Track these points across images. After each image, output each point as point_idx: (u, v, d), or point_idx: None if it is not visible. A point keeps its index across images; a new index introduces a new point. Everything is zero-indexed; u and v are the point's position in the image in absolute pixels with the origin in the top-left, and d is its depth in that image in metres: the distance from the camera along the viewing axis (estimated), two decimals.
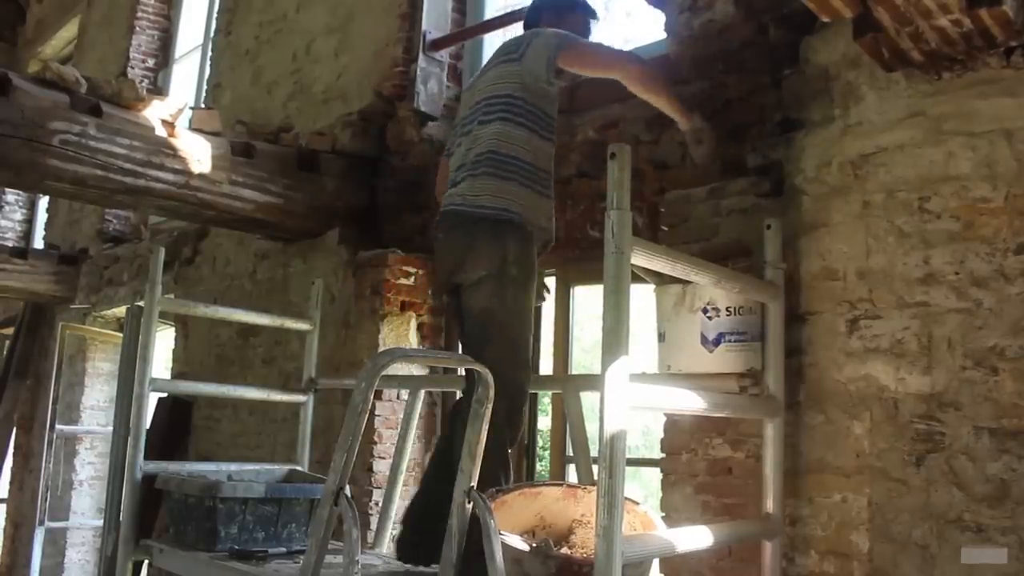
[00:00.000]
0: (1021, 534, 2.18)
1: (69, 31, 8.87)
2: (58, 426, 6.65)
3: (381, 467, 3.91)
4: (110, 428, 5.63)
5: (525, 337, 2.64)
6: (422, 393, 3.53)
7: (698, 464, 2.82)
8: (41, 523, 6.50)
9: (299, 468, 3.74)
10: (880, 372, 2.47)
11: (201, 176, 3.96)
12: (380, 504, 3.57)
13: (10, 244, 8.38)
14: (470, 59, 4.41)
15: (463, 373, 2.79)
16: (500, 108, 2.70)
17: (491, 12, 4.38)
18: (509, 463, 2.70)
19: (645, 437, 9.30)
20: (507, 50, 2.81)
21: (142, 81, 6.76)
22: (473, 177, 2.67)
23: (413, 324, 4.15)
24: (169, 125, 3.89)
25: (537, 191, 2.70)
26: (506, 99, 2.70)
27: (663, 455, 2.95)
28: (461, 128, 2.84)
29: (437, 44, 4.34)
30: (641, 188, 3.08)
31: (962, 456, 2.29)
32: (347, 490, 2.19)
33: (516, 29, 4.23)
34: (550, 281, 3.67)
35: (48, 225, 8.10)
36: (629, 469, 1.88)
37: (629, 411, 1.86)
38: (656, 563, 2.64)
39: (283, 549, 3.13)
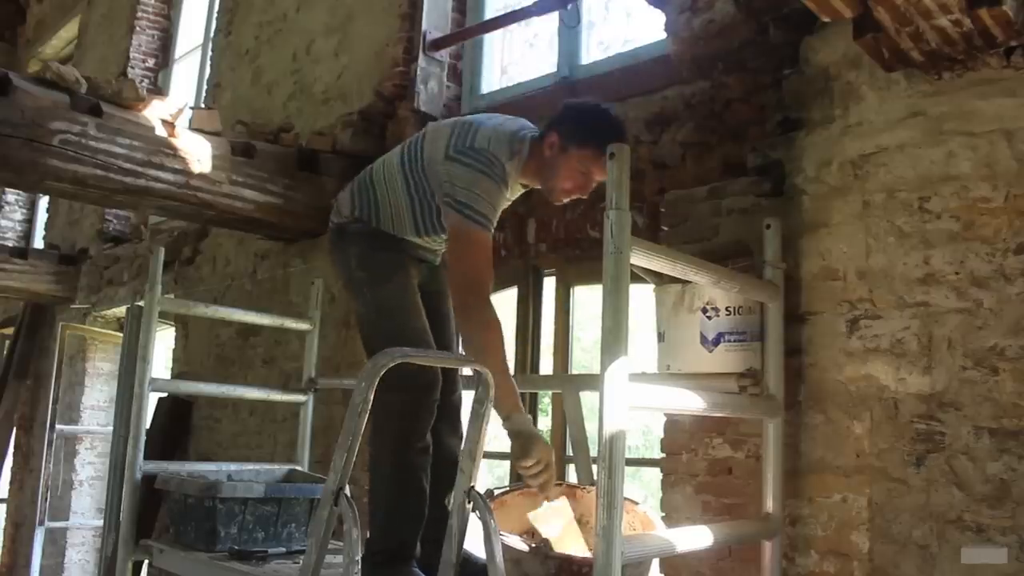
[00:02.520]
0: (1021, 534, 2.18)
1: (69, 31, 8.87)
2: (58, 426, 6.65)
3: None
4: (110, 428, 5.64)
5: (399, 329, 2.44)
6: None
7: (698, 464, 2.82)
8: (41, 523, 6.50)
9: (299, 468, 3.74)
10: (880, 372, 2.47)
11: (201, 176, 3.96)
12: None
13: (10, 244, 8.37)
14: (470, 59, 4.41)
15: (466, 372, 2.79)
16: (406, 148, 2.59)
17: (491, 12, 4.38)
18: (417, 472, 2.46)
19: (645, 437, 9.30)
20: (459, 138, 2.43)
21: (142, 81, 6.76)
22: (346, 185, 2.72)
23: None
24: (169, 125, 3.89)
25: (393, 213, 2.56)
26: (413, 149, 2.55)
27: (663, 455, 2.95)
28: None
29: (437, 44, 4.34)
30: (641, 188, 3.08)
31: (962, 456, 2.29)
32: (347, 490, 2.19)
33: (516, 29, 4.25)
34: (550, 281, 3.67)
35: (48, 225, 8.10)
36: (629, 469, 1.88)
37: (629, 411, 1.86)
38: (656, 563, 2.64)
39: (283, 549, 3.12)
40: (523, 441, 2.21)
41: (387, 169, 2.62)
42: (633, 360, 1.92)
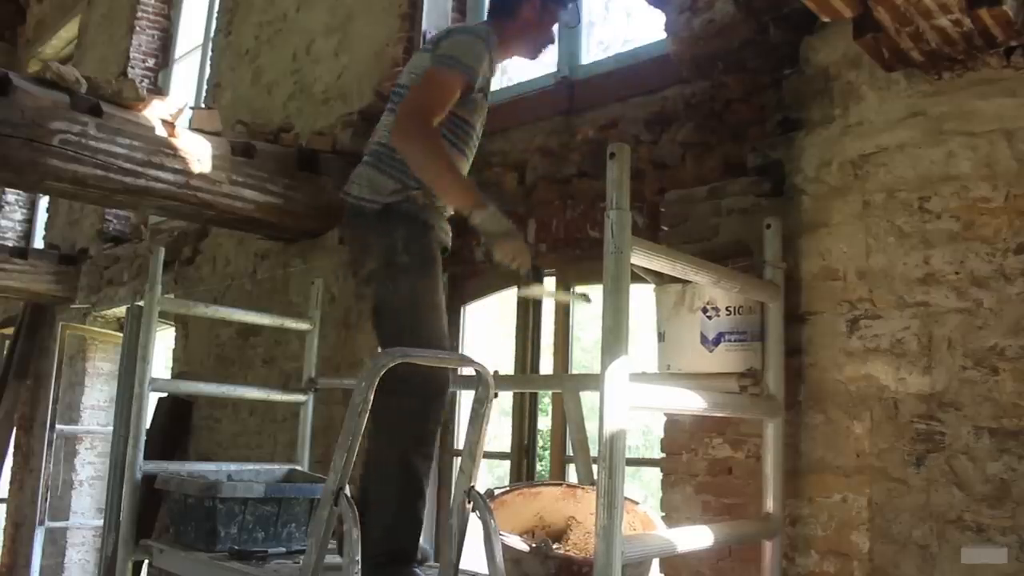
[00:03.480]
0: (1021, 534, 2.18)
1: (69, 31, 8.87)
2: (58, 426, 6.65)
3: None
4: (110, 428, 5.65)
5: (428, 325, 2.47)
6: None
7: (698, 464, 2.82)
8: (41, 523, 6.50)
9: (299, 468, 3.74)
10: (880, 372, 2.47)
11: (201, 176, 3.96)
12: None
13: (10, 244, 8.38)
14: None
15: (466, 372, 2.79)
16: (400, 98, 2.57)
17: None
18: (421, 477, 2.49)
19: (645, 437, 9.31)
20: (429, 43, 2.64)
21: (142, 81, 6.77)
22: (363, 166, 2.61)
23: None
24: (169, 125, 3.89)
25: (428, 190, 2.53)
26: (407, 90, 2.56)
27: (663, 455, 2.95)
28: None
29: None
30: (641, 188, 3.09)
31: (962, 456, 2.29)
32: (347, 490, 2.19)
33: None
34: (550, 281, 3.67)
35: (48, 225, 8.10)
36: (629, 469, 1.88)
37: (629, 411, 1.86)
38: (656, 563, 2.64)
39: (283, 549, 3.12)
40: (494, 239, 2.36)
41: (387, 129, 2.56)
42: (633, 360, 1.92)
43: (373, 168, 2.58)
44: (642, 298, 2.87)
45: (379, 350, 2.47)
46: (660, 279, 2.72)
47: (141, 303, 3.50)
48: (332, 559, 2.50)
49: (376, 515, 2.45)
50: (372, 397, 2.12)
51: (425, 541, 3.36)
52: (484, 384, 2.28)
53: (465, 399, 3.90)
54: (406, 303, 2.49)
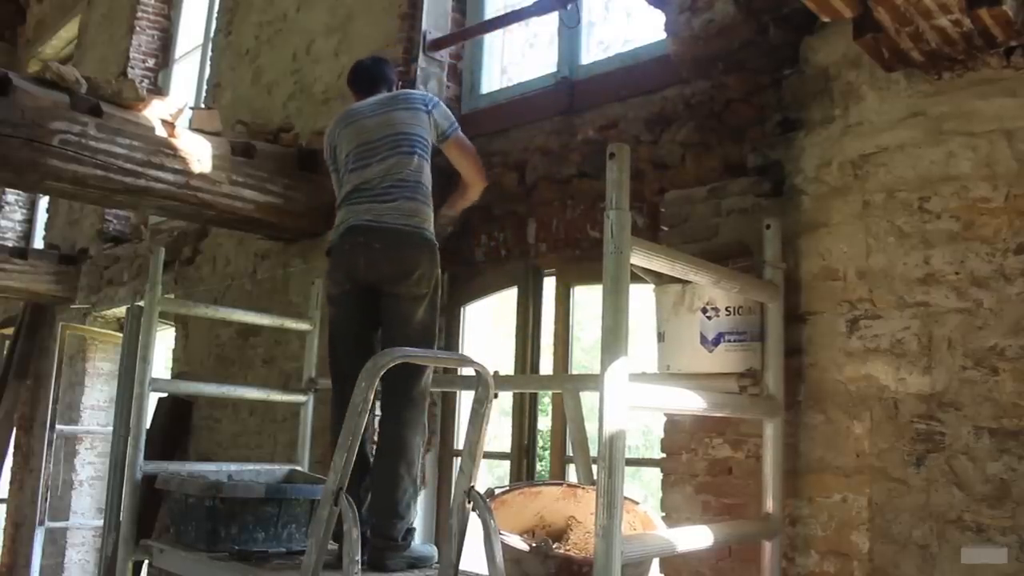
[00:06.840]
0: (1021, 534, 2.18)
1: (69, 31, 8.87)
2: (58, 426, 6.64)
3: None
4: (110, 428, 5.64)
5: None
6: None
7: (698, 464, 2.82)
8: (41, 523, 6.50)
9: (299, 468, 3.74)
10: (880, 372, 2.47)
11: (201, 176, 3.96)
12: None
13: (10, 244, 8.37)
14: (470, 59, 4.41)
15: (466, 372, 2.82)
16: (418, 144, 3.11)
17: (491, 12, 4.38)
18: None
19: (645, 437, 9.30)
20: (407, 102, 3.22)
21: (142, 81, 6.76)
22: (407, 200, 3.02)
23: None
24: (169, 125, 3.89)
25: None
26: (422, 139, 3.13)
27: (663, 455, 2.95)
28: (365, 153, 3.11)
29: (437, 44, 4.34)
30: (641, 188, 3.09)
31: (962, 456, 2.29)
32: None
33: (516, 29, 4.25)
34: (550, 281, 3.67)
35: (48, 225, 8.09)
36: (629, 469, 1.88)
37: (629, 411, 1.86)
38: (656, 563, 2.64)
39: (283, 549, 3.13)
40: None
41: (417, 170, 3.06)
42: (633, 360, 1.92)
43: (422, 204, 3.05)
44: (642, 298, 2.87)
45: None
46: (660, 279, 2.72)
47: (141, 303, 3.50)
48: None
49: (405, 502, 2.86)
50: (372, 397, 2.12)
51: (428, 542, 3.38)
52: (484, 384, 2.28)
53: (465, 399, 3.90)
54: (434, 327, 3.03)
